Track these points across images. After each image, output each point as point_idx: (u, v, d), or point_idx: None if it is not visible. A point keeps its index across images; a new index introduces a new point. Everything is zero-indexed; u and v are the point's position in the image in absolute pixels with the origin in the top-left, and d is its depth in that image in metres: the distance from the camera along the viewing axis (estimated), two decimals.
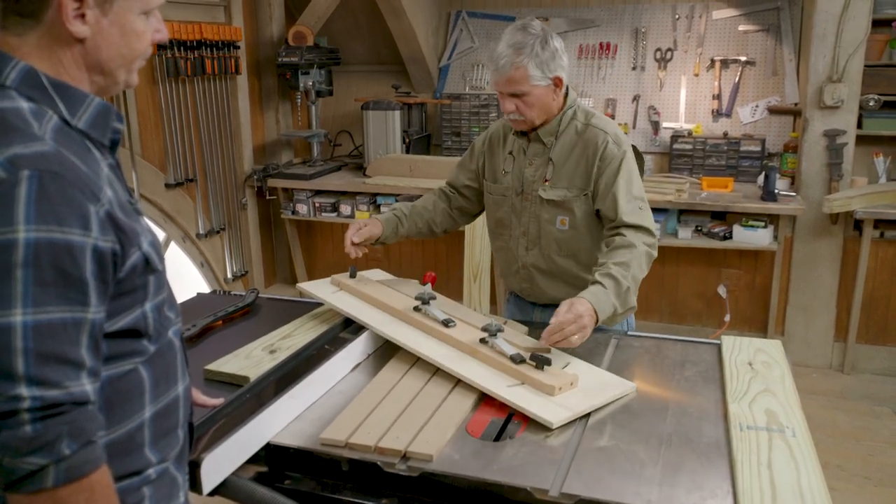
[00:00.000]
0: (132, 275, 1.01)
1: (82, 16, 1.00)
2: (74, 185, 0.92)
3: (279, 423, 1.52)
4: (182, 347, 1.18)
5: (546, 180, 2.06)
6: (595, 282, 1.85)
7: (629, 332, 2.11)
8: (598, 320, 1.78)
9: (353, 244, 2.14)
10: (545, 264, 2.12)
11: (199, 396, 1.48)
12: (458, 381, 1.69)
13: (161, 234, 4.06)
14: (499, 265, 2.30)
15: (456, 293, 4.36)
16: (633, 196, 1.99)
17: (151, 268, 1.05)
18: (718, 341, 1.96)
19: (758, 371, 1.75)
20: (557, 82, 1.98)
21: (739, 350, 1.87)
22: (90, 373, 0.94)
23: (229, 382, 1.71)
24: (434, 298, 1.94)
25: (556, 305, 2.16)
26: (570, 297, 2.13)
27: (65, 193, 0.91)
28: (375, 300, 2.04)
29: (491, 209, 2.22)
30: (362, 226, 2.18)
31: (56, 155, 0.93)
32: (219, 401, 1.50)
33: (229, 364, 1.77)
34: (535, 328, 2.06)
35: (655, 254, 1.97)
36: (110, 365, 1.01)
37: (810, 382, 3.86)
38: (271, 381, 1.65)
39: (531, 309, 2.23)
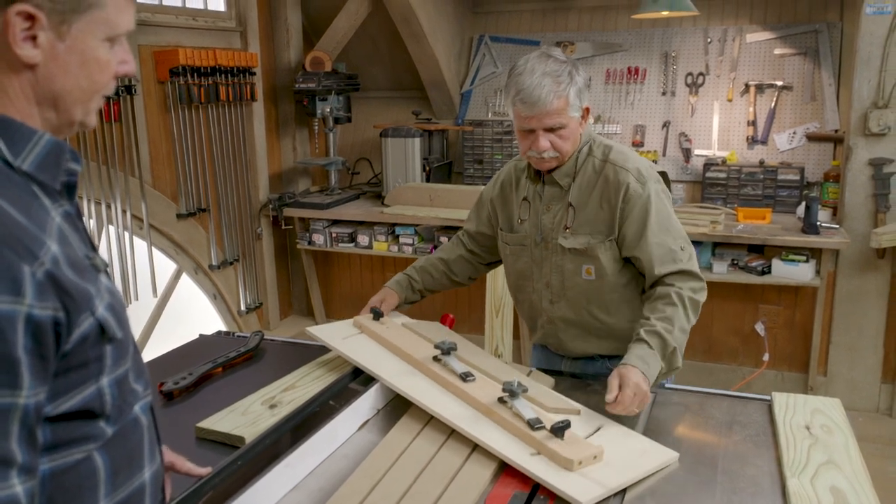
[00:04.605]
0: (83, 346, 0.84)
1: (33, 38, 0.85)
2: (3, 242, 0.76)
3: (274, 495, 1.35)
4: (152, 424, 1.01)
5: (567, 227, 1.86)
6: (641, 340, 1.66)
7: (667, 385, 1.91)
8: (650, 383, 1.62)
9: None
10: (574, 316, 1.92)
11: (185, 464, 1.29)
12: (476, 445, 1.50)
13: (172, 266, 3.93)
14: (523, 319, 2.10)
15: (477, 327, 4.17)
16: (670, 239, 1.79)
17: (108, 336, 0.87)
18: (769, 397, 1.75)
19: (817, 437, 1.55)
20: (586, 113, 1.81)
21: (794, 411, 1.66)
22: (22, 470, 0.77)
23: (223, 443, 1.55)
24: (454, 349, 1.76)
25: (586, 358, 1.98)
26: (599, 351, 1.96)
27: None
28: (395, 347, 1.86)
29: (509, 261, 2.02)
30: (379, 304, 2.07)
31: None
32: (206, 470, 1.32)
33: (224, 422, 1.61)
34: (564, 380, 1.88)
35: (703, 298, 1.78)
36: (55, 454, 0.83)
37: (856, 427, 3.54)
38: (267, 444, 1.48)
39: (559, 360, 2.03)
